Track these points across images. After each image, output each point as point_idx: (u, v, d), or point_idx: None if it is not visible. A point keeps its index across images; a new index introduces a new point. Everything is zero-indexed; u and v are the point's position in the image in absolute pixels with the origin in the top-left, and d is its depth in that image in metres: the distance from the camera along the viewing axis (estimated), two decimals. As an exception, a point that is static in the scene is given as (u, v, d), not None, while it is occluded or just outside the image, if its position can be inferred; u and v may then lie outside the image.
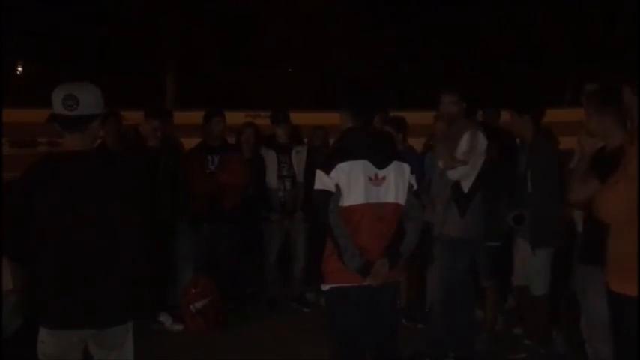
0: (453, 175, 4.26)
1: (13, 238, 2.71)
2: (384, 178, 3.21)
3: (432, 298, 4.79)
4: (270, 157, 5.64)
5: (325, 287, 3.30)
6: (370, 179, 3.18)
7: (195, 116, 5.84)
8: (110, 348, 2.76)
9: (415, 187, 3.37)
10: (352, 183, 3.15)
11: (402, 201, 3.27)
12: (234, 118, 8.13)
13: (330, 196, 3.14)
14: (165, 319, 5.19)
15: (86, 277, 2.65)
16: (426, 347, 4.40)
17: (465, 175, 4.25)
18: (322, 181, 3.17)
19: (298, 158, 5.71)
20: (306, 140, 6.37)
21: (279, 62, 16.70)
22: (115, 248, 2.69)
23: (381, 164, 3.21)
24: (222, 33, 15.75)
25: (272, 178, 5.61)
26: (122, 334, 2.78)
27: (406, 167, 3.31)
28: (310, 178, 3.97)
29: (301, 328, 5.18)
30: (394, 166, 3.25)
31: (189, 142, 5.93)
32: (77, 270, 2.65)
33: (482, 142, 4.30)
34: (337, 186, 3.14)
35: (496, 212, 4.58)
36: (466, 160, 4.21)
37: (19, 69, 24.69)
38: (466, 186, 4.27)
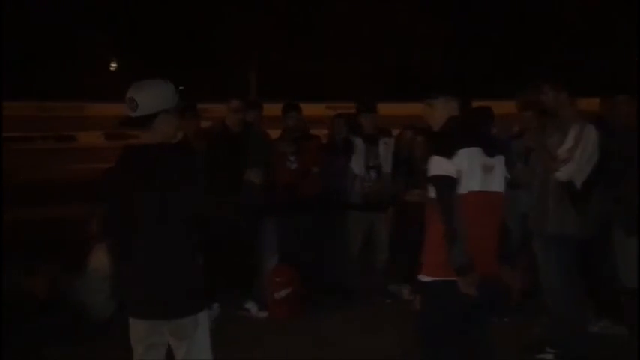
0: (561, 176, 3.99)
1: (114, 233, 2.88)
2: (492, 167, 3.14)
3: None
4: (359, 145, 5.59)
5: (426, 279, 3.15)
6: (484, 167, 3.11)
7: (278, 108, 5.92)
8: (181, 338, 2.83)
9: (508, 177, 3.28)
10: (471, 170, 3.05)
11: (503, 191, 3.21)
12: (315, 109, 8.20)
13: (453, 182, 3.03)
14: (250, 306, 5.32)
15: (153, 270, 2.74)
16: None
17: (574, 173, 3.96)
18: (442, 166, 3.04)
19: (386, 150, 5.66)
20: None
21: (351, 56, 16.73)
22: (177, 242, 2.75)
23: (491, 152, 3.14)
24: (294, 26, 15.93)
25: (358, 166, 5.59)
26: (191, 325, 2.81)
27: (502, 157, 3.24)
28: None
29: (383, 320, 5.16)
30: (497, 155, 3.19)
31: (272, 134, 6.04)
32: (145, 262, 2.75)
33: (592, 135, 3.98)
34: (459, 172, 3.04)
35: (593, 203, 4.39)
36: (569, 157, 3.94)
37: (113, 65, 25.89)
38: (579, 181, 3.98)
